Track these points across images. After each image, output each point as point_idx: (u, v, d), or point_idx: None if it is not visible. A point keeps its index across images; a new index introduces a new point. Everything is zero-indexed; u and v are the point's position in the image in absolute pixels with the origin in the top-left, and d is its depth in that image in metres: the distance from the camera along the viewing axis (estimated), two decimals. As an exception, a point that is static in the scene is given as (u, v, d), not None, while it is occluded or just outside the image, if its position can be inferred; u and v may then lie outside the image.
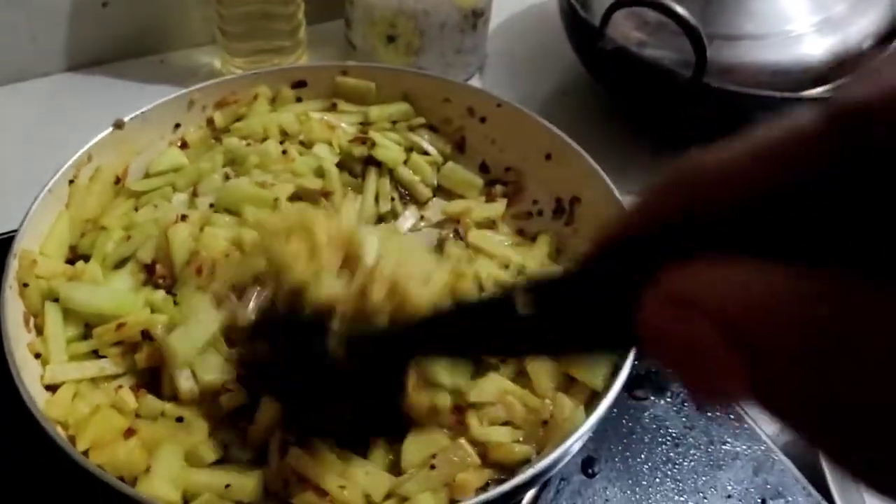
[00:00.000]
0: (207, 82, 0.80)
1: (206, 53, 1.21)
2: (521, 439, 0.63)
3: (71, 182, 0.72)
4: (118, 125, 0.75)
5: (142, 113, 0.77)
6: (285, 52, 1.14)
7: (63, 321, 0.65)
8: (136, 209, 0.76)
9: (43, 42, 1.15)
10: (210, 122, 0.82)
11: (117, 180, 0.77)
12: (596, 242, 0.31)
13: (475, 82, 1.17)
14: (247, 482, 0.57)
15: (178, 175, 0.79)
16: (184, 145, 0.82)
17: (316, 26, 1.20)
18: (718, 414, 0.79)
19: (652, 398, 0.81)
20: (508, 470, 0.61)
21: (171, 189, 0.78)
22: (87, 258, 0.71)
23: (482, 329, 0.40)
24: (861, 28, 1.13)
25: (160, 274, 0.69)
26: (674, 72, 1.04)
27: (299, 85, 0.84)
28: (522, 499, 0.71)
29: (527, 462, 0.61)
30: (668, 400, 0.81)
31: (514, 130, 0.83)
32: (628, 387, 0.81)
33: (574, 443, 0.57)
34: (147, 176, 0.78)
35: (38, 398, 0.57)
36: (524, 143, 0.83)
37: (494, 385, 0.64)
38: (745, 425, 0.79)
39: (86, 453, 0.57)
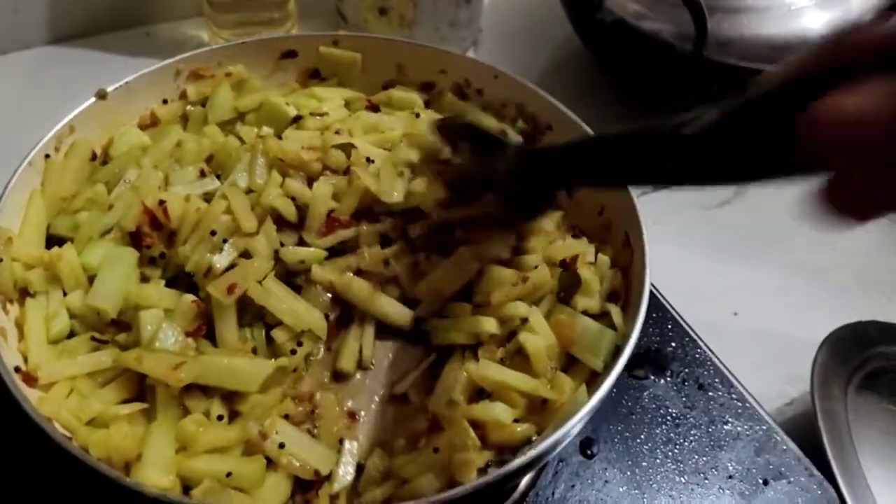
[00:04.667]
0: (193, 52, 0.77)
1: (193, 26, 1.17)
2: (520, 419, 0.62)
3: (47, 157, 0.69)
4: (101, 95, 0.72)
5: (125, 83, 0.74)
6: (274, 25, 1.11)
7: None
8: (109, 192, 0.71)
9: (24, 13, 1.11)
10: (183, 94, 0.79)
11: (94, 156, 0.73)
12: (771, 76, 0.40)
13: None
14: (249, 469, 0.55)
15: (138, 156, 0.74)
16: (154, 122, 0.78)
17: (306, -2, 1.18)
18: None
19: (652, 378, 0.79)
20: (509, 450, 0.59)
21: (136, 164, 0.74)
22: (60, 239, 0.68)
23: (644, 153, 0.45)
24: (861, 1, 1.11)
25: (147, 243, 0.66)
26: (673, 45, 1.02)
27: (289, 55, 0.81)
28: (520, 481, 0.70)
29: (528, 442, 0.59)
30: (669, 379, 0.79)
31: (511, 102, 0.80)
32: (628, 366, 0.79)
33: (576, 424, 0.55)
34: (108, 159, 0.74)
35: (25, 391, 0.55)
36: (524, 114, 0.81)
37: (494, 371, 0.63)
38: (747, 405, 0.78)
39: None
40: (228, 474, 0.54)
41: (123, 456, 0.54)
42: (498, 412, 0.60)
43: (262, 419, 0.59)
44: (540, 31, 1.25)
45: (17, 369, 0.57)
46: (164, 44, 1.15)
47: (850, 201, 0.37)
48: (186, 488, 0.55)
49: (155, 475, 0.53)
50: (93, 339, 0.62)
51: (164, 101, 0.79)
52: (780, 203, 1.07)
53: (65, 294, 0.64)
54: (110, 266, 0.64)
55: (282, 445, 0.57)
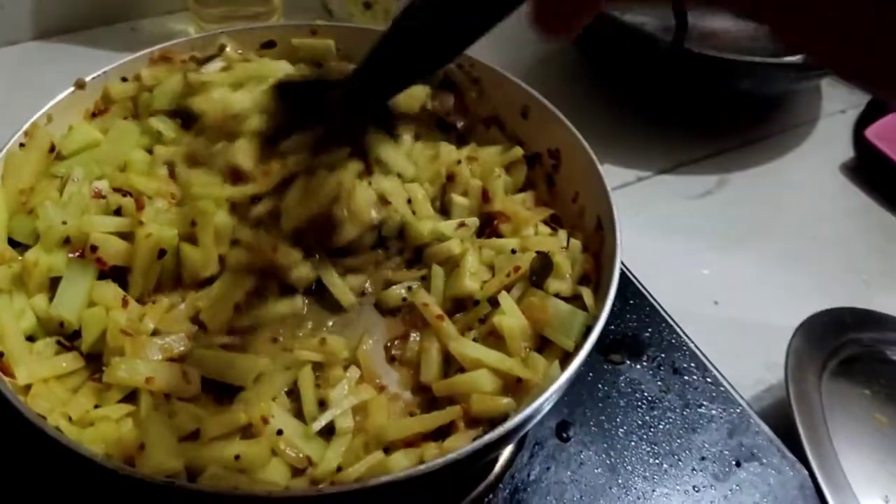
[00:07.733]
0: (172, 42, 0.78)
1: (178, 20, 1.18)
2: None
3: (22, 146, 0.69)
4: (79, 85, 0.73)
5: (104, 72, 0.75)
6: (260, 19, 1.12)
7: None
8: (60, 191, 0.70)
9: (10, 9, 1.12)
10: (138, 77, 0.77)
11: (52, 148, 0.72)
12: None
13: (453, 49, 1.15)
14: (256, 449, 0.55)
15: (95, 154, 0.73)
16: (107, 102, 0.76)
17: (291, -8, 1.18)
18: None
19: (628, 362, 0.80)
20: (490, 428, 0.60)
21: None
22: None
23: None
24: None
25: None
26: (655, 37, 1.03)
27: (268, 45, 0.82)
28: (496, 463, 0.71)
29: (506, 418, 0.60)
30: (644, 364, 0.80)
31: (490, 90, 0.81)
32: (604, 351, 0.81)
33: (549, 397, 0.56)
34: (59, 157, 0.72)
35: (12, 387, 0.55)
36: (500, 102, 0.81)
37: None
38: (721, 388, 0.78)
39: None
40: (237, 457, 0.54)
41: (125, 449, 0.54)
42: (481, 379, 0.61)
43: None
44: (525, 22, 1.25)
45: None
46: (150, 38, 1.16)
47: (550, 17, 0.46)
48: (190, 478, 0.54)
49: (165, 459, 0.53)
50: (59, 343, 0.62)
51: (124, 79, 0.77)
52: (763, 193, 1.08)
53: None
54: (72, 277, 0.63)
55: (280, 432, 0.57)
